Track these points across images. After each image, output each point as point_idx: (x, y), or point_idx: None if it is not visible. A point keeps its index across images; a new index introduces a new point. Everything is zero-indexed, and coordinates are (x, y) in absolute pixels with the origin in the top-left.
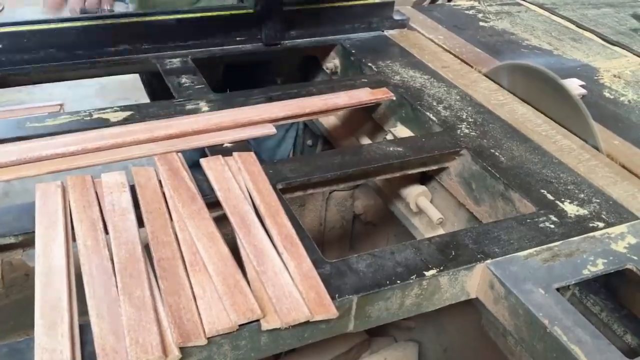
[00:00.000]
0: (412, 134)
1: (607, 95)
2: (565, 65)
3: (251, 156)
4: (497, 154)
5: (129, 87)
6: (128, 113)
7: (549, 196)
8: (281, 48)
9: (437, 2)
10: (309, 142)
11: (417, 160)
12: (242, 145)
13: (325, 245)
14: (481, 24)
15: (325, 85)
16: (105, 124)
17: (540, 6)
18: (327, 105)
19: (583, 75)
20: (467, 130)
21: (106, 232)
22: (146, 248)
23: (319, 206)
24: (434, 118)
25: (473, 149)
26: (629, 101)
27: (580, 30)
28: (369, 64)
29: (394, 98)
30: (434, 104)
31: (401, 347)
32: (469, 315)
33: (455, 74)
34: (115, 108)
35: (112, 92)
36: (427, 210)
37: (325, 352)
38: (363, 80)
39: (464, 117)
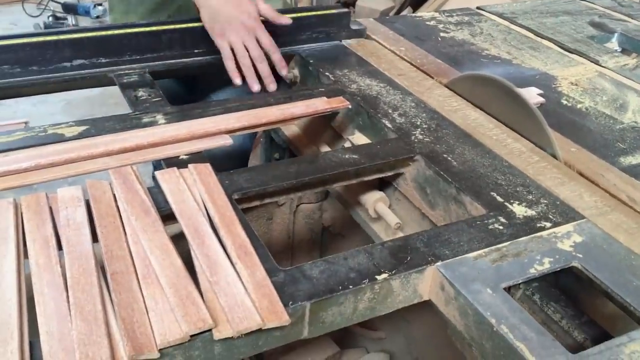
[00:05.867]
0: (369, 141)
1: (565, 102)
2: (524, 74)
3: (207, 168)
4: (449, 158)
5: (95, 103)
6: (83, 128)
7: (499, 198)
8: None
9: (402, 14)
10: (276, 155)
11: (372, 167)
12: (198, 157)
13: (295, 259)
14: (442, 34)
15: (282, 96)
16: (59, 139)
17: (500, 15)
18: (283, 115)
19: (541, 83)
20: (421, 137)
21: (60, 247)
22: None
23: (286, 219)
24: (389, 125)
25: (426, 154)
26: (585, 108)
27: (539, 39)
28: (327, 74)
29: (350, 106)
30: (390, 111)
31: (373, 358)
32: (438, 325)
33: (410, 82)
34: (70, 123)
35: (79, 108)
36: (385, 216)
37: None
38: (320, 89)
39: (418, 123)
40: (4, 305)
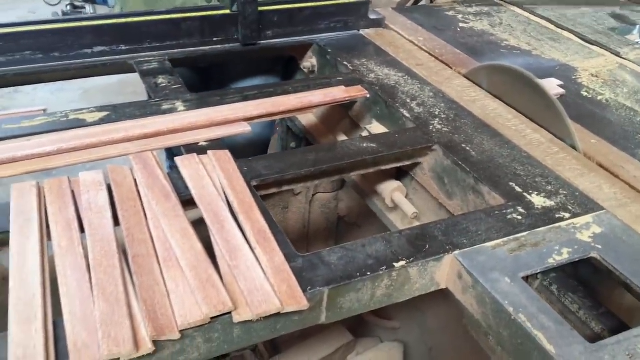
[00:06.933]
0: (386, 131)
1: (585, 94)
2: (544, 65)
3: (226, 154)
4: (468, 148)
5: (113, 91)
6: (104, 114)
7: (518, 188)
8: (258, 48)
9: (420, 3)
10: (293, 144)
11: (390, 155)
12: (217, 144)
13: (311, 248)
14: (461, 25)
15: (301, 84)
16: (81, 124)
17: (520, 6)
18: (302, 103)
19: (561, 75)
20: (439, 126)
21: (82, 230)
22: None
23: (302, 208)
24: (407, 115)
25: (445, 144)
26: (606, 100)
27: (559, 30)
28: (345, 63)
29: (368, 95)
30: (408, 100)
31: (387, 347)
32: (452, 315)
33: (429, 72)
34: (91, 109)
35: (96, 97)
36: (402, 205)
37: (311, 354)
38: (338, 78)
39: (437, 113)
40: (28, 286)
